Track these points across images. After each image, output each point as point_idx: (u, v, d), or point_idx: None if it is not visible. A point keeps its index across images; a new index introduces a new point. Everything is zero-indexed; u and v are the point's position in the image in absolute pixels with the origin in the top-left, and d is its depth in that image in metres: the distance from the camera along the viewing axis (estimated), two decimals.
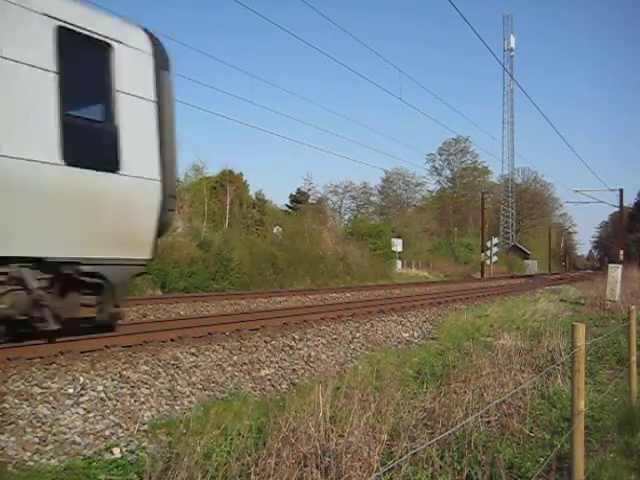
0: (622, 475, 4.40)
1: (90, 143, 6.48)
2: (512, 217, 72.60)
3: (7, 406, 4.95)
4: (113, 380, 5.89)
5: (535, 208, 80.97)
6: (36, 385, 5.40)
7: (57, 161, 5.86)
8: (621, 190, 41.76)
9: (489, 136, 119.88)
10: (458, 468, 4.27)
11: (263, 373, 7.31)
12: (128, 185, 6.61)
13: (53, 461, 4.40)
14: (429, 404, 5.89)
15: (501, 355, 7.89)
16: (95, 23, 6.46)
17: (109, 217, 6.43)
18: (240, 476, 4.06)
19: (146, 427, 5.19)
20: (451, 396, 6.03)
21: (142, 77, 6.97)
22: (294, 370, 7.70)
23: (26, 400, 5.11)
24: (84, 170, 6.13)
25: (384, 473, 3.76)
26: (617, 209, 46.12)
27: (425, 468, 4.19)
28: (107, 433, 4.95)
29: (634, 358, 6.31)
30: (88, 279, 6.14)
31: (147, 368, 6.41)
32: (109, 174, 6.42)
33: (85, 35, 6.26)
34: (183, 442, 4.48)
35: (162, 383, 6.18)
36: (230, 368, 7.13)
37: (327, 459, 4.14)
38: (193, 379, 6.52)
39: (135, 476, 4.27)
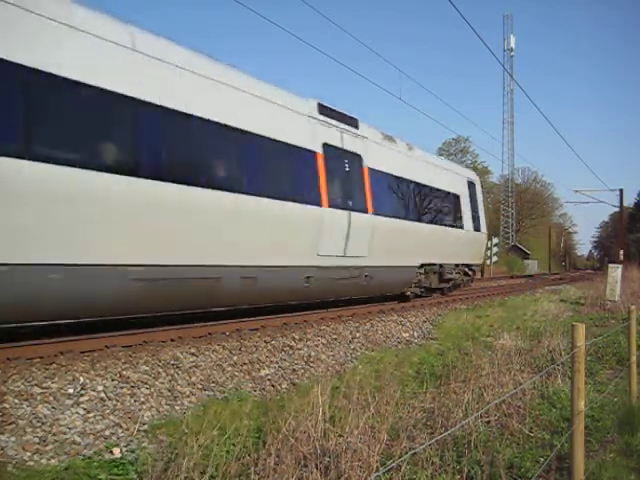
0: (622, 475, 4.40)
1: (476, 223, 18.25)
2: (512, 217, 72.53)
3: (7, 406, 4.95)
4: (113, 380, 5.89)
5: (535, 208, 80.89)
6: (36, 385, 5.40)
7: (472, 230, 17.79)
8: (621, 190, 41.69)
9: (489, 136, 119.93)
10: (458, 468, 4.28)
11: (263, 373, 7.31)
12: (480, 235, 18.72)
13: (53, 461, 4.41)
14: (429, 404, 5.90)
15: (501, 355, 7.89)
16: (470, 175, 18.98)
17: (474, 247, 18.12)
18: (240, 476, 4.07)
19: (146, 427, 5.19)
20: (451, 396, 6.03)
21: (479, 192, 19.06)
22: (294, 370, 7.71)
23: (26, 400, 5.11)
24: (475, 232, 18.11)
25: (384, 473, 3.76)
26: (617, 209, 46.08)
27: (425, 468, 4.19)
28: (107, 433, 4.95)
29: (634, 358, 6.31)
30: (469, 271, 18.19)
31: (147, 368, 6.41)
32: (478, 233, 18.48)
33: (471, 181, 18.32)
34: (183, 442, 4.49)
35: (162, 383, 6.19)
36: (230, 368, 7.13)
37: (327, 459, 4.14)
38: (193, 379, 6.52)
39: (135, 476, 4.27)
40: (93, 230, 6.58)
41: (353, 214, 11.36)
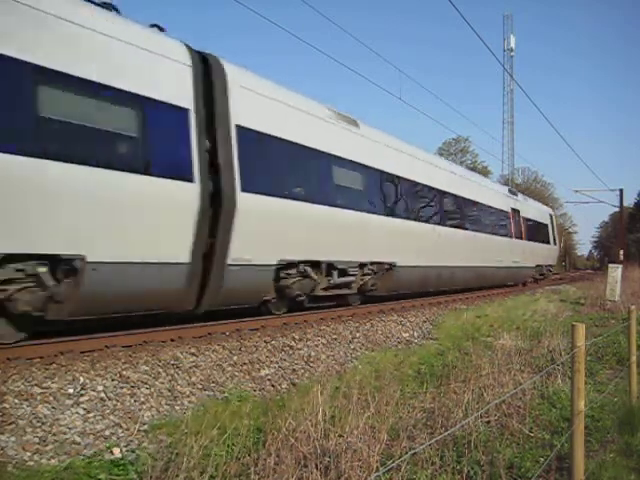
0: (622, 475, 4.40)
1: (554, 240, 31.40)
2: None
3: (7, 406, 4.94)
4: (113, 380, 5.89)
5: None
6: (36, 385, 5.40)
7: (552, 244, 30.92)
8: (621, 190, 41.73)
9: (489, 136, 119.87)
10: (458, 468, 4.28)
11: (263, 373, 7.31)
12: (556, 248, 32.47)
13: (53, 461, 4.40)
14: (429, 404, 5.90)
15: (501, 355, 7.89)
16: (550, 210, 32.44)
17: (554, 255, 31.86)
18: (240, 476, 4.07)
19: (146, 427, 5.19)
20: (451, 396, 6.03)
21: (554, 220, 31.67)
22: (294, 370, 7.70)
23: (26, 400, 5.11)
24: (554, 246, 31.19)
25: (384, 473, 3.76)
26: (617, 209, 46.09)
27: (425, 468, 4.19)
28: (107, 433, 4.95)
29: (634, 358, 6.31)
30: (551, 269, 32.45)
31: (147, 368, 6.41)
32: (555, 246, 31.71)
33: (551, 214, 31.40)
34: (183, 442, 4.49)
35: (162, 383, 6.18)
36: (230, 368, 7.13)
37: (327, 459, 4.14)
38: (193, 379, 6.52)
39: (135, 476, 4.27)
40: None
41: (518, 241, 23.56)
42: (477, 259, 18.75)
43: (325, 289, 11.33)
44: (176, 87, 7.83)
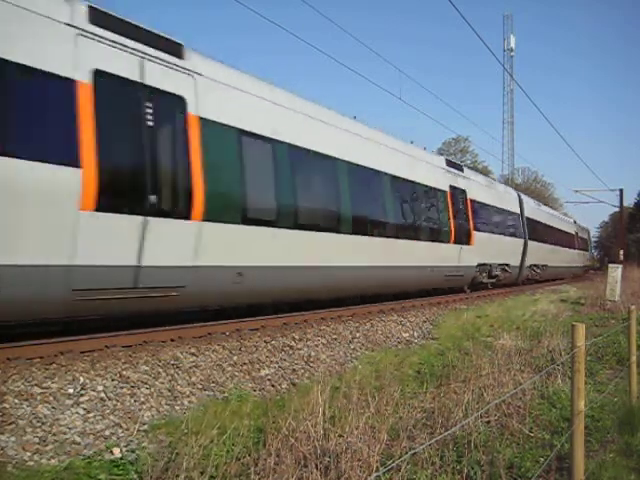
0: (622, 475, 4.40)
1: (590, 249, 58.75)
2: None
3: (7, 406, 4.95)
4: (113, 380, 5.89)
5: None
6: (36, 385, 5.40)
7: (588, 252, 54.01)
8: (621, 190, 41.63)
9: (489, 136, 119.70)
10: (458, 468, 4.28)
11: (263, 373, 7.31)
12: (589, 253, 54.00)
13: (53, 461, 4.40)
14: (429, 404, 5.90)
15: (501, 355, 7.89)
16: (589, 228, 55.49)
17: (587, 258, 50.68)
18: (240, 476, 4.07)
19: (146, 427, 5.19)
20: (451, 396, 6.03)
21: (590, 234, 58.87)
22: (294, 370, 7.70)
23: (26, 400, 5.11)
24: (584, 252, 46.69)
25: (384, 473, 3.76)
26: (617, 209, 46.07)
27: (425, 468, 4.19)
28: (107, 433, 4.95)
29: (634, 358, 6.31)
30: (576, 270, 43.99)
31: (147, 368, 6.41)
32: (589, 253, 54.23)
33: (588, 230, 56.64)
34: (183, 442, 4.49)
35: (162, 383, 6.18)
36: (230, 368, 7.13)
37: (327, 459, 4.14)
38: (193, 379, 6.52)
39: (135, 476, 4.27)
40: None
41: (577, 251, 41.08)
42: (568, 261, 36.52)
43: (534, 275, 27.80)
44: (518, 207, 24.56)
